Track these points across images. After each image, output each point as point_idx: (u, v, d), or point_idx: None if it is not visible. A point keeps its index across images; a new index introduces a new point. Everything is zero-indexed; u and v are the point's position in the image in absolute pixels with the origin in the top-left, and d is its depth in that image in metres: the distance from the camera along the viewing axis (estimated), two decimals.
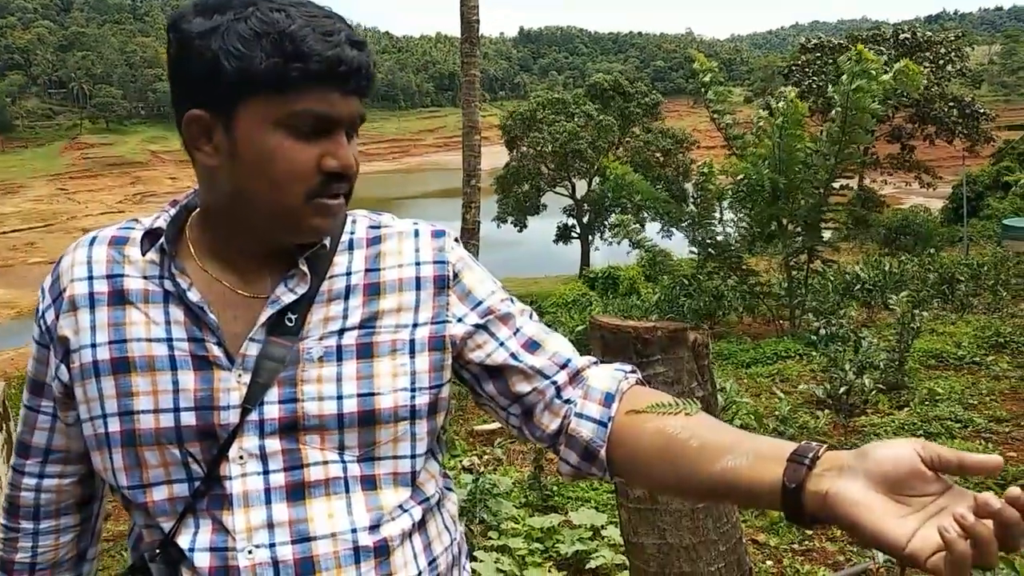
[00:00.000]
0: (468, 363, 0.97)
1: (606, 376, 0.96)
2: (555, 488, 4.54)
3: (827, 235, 10.17)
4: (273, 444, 0.87)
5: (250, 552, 0.86)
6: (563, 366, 0.97)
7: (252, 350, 0.88)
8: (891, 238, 19.78)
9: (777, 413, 5.50)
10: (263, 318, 0.89)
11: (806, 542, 3.92)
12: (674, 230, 11.62)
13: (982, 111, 28.74)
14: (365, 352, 0.90)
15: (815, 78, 27.05)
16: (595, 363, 0.99)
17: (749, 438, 0.83)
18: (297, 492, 0.87)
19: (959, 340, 7.41)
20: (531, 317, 1.01)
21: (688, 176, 28.22)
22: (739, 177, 9.34)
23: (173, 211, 0.95)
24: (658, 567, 2.39)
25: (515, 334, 0.97)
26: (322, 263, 0.92)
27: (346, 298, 0.92)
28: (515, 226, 32.60)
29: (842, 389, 5.35)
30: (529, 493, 4.53)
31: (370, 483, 0.90)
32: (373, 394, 0.89)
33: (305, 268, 0.90)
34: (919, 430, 5.06)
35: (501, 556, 3.50)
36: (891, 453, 0.70)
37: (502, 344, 0.96)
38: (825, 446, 0.76)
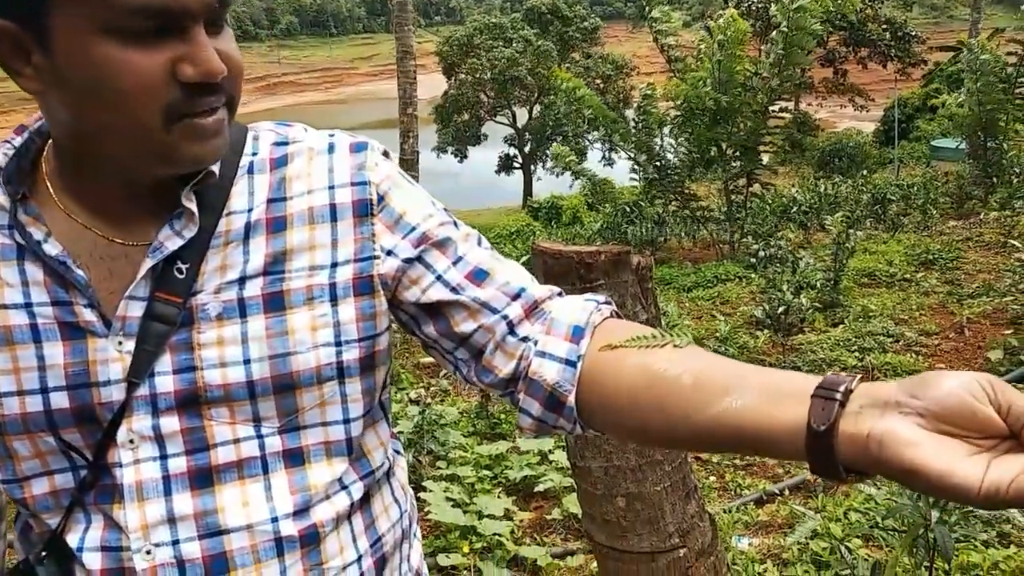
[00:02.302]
0: (402, 303, 0.80)
1: (573, 307, 0.79)
2: (502, 416, 4.56)
3: (765, 159, 10.28)
4: (170, 423, 0.73)
5: (148, 552, 0.73)
6: (515, 296, 0.80)
7: (134, 311, 0.72)
8: (825, 161, 20.15)
9: (718, 334, 5.62)
10: (143, 270, 0.72)
11: (746, 456, 4.04)
12: (616, 157, 11.60)
13: (913, 33, 29.10)
14: (275, 304, 0.74)
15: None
16: (559, 294, 0.82)
17: (756, 371, 0.68)
18: (203, 478, 0.74)
19: (891, 258, 7.65)
20: (479, 243, 0.84)
21: (628, 103, 28.06)
22: (679, 100, 9.30)
23: (20, 140, 0.76)
24: (605, 489, 2.41)
25: (456, 264, 0.80)
26: (216, 196, 0.75)
27: (246, 238, 0.75)
28: (456, 157, 32.02)
29: (780, 309, 5.47)
30: (476, 422, 4.55)
31: (296, 458, 0.77)
32: (288, 354, 0.74)
33: (192, 205, 0.72)
34: (853, 346, 5.23)
35: (450, 485, 3.51)
36: (953, 387, 0.56)
37: (439, 277, 0.79)
38: (858, 377, 0.61)
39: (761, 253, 7.41)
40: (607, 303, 0.81)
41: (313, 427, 0.77)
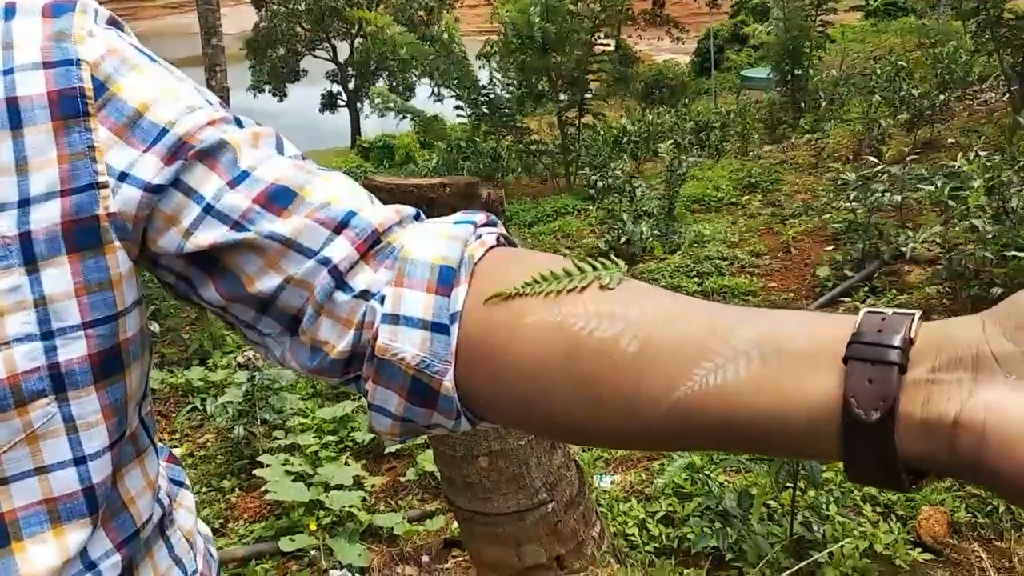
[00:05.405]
0: (159, 257, 0.50)
1: (437, 236, 0.50)
2: None
3: (593, 89, 10.36)
4: None
5: None
6: (341, 226, 0.49)
7: None
8: (648, 92, 20.78)
9: None
10: None
11: None
12: (446, 92, 11.26)
13: None
14: None
15: None
16: (413, 217, 0.53)
17: (740, 316, 0.42)
18: None
19: (717, 184, 7.92)
20: (280, 149, 0.53)
21: (453, 36, 27.48)
22: (506, 28, 9.10)
23: None
24: (465, 450, 2.21)
25: (237, 182, 0.49)
26: None
27: None
28: (274, 95, 30.06)
29: (623, 239, 5.46)
30: (316, 382, 4.17)
31: None
32: None
33: None
34: (692, 271, 5.33)
35: (290, 457, 3.18)
36: None
37: (210, 208, 0.48)
38: (917, 315, 0.36)
39: (599, 184, 7.41)
40: (489, 224, 0.53)
41: (19, 479, 0.47)
